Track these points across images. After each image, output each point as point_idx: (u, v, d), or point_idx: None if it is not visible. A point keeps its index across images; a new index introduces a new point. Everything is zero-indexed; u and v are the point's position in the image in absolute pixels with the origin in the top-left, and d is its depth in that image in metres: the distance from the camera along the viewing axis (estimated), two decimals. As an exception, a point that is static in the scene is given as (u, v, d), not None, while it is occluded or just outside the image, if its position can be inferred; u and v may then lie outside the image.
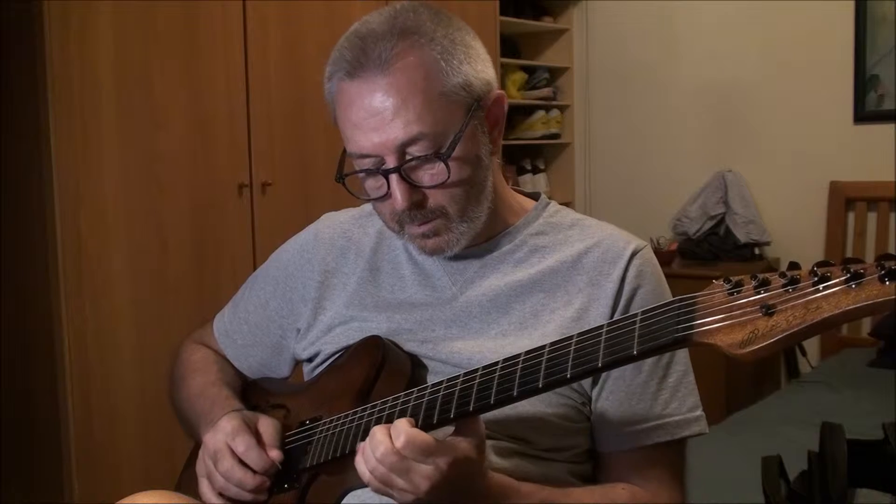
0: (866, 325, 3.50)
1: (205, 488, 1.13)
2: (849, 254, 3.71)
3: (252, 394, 1.33)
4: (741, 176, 3.84)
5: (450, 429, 0.98)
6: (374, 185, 1.12)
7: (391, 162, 1.08)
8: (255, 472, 1.10)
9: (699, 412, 1.15)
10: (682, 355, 1.16)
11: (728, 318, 0.77)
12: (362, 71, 1.07)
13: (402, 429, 0.94)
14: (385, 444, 0.94)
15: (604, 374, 1.13)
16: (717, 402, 3.25)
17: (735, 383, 3.42)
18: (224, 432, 1.11)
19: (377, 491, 0.98)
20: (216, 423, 1.14)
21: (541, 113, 4.20)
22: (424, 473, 0.93)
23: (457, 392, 0.96)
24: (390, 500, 1.03)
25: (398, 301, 1.21)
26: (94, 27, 2.41)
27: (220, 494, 1.12)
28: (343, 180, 1.15)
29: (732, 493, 2.01)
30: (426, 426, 0.96)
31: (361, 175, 1.13)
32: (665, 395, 1.14)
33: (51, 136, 2.33)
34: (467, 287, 1.18)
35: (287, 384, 1.33)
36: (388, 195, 1.10)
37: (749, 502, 1.90)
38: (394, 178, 1.09)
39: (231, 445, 1.10)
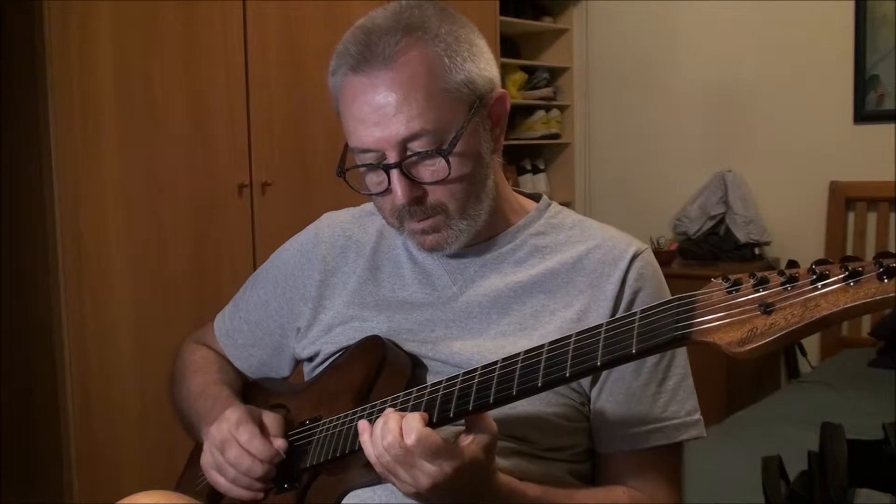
0: (866, 325, 3.50)
1: (217, 479, 1.12)
2: (849, 254, 3.71)
3: (252, 394, 1.33)
4: (741, 176, 3.84)
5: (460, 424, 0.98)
6: (374, 179, 1.13)
7: (392, 157, 1.08)
8: (261, 461, 1.10)
9: (697, 416, 1.15)
10: (682, 358, 1.16)
11: (727, 317, 0.78)
12: (366, 66, 1.07)
13: (414, 426, 0.93)
14: (394, 433, 0.93)
15: (603, 375, 1.13)
16: (717, 402, 3.25)
17: (735, 383, 3.42)
18: (229, 422, 1.11)
19: (383, 476, 0.98)
20: (221, 415, 1.14)
21: (541, 113, 4.20)
22: (427, 472, 0.93)
23: (456, 391, 0.96)
24: (392, 501, 1.03)
25: (399, 300, 1.21)
26: (94, 27, 2.41)
27: (234, 484, 1.12)
28: (344, 175, 1.15)
29: (732, 493, 2.01)
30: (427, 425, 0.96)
31: (362, 170, 1.13)
32: (664, 398, 1.14)
33: (51, 136, 2.33)
34: (468, 286, 1.18)
35: (287, 384, 1.33)
36: (388, 190, 1.11)
37: (749, 502, 1.90)
38: (394, 173, 1.09)
39: (235, 435, 1.10)
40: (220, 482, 1.12)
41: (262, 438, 1.10)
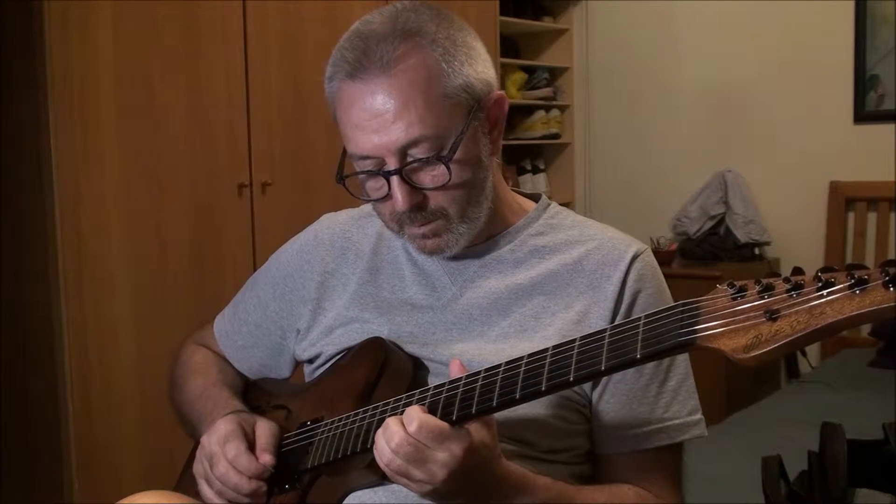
0: (866, 325, 3.51)
1: (205, 489, 1.13)
2: (849, 254, 3.71)
3: (253, 394, 1.33)
4: (741, 176, 3.84)
5: None
6: (374, 186, 1.12)
7: (392, 164, 1.08)
8: (248, 478, 1.10)
9: (699, 415, 1.16)
10: (683, 358, 1.16)
11: (731, 323, 0.77)
12: (364, 72, 1.07)
13: (415, 414, 0.94)
14: (399, 433, 0.93)
15: (605, 377, 1.12)
16: (717, 402, 3.25)
17: (735, 383, 3.42)
18: (217, 436, 1.11)
19: (396, 482, 0.97)
20: (213, 425, 1.14)
21: (541, 113, 4.19)
22: (440, 461, 0.93)
23: (459, 394, 0.96)
24: (392, 502, 1.03)
25: (399, 301, 1.21)
26: (94, 27, 2.40)
27: (220, 496, 1.12)
28: (343, 181, 1.15)
29: (732, 493, 2.01)
30: None
31: (362, 176, 1.13)
32: (665, 398, 1.14)
33: (51, 136, 2.33)
34: (467, 287, 1.18)
35: (288, 385, 1.33)
36: (388, 196, 1.10)
37: (749, 502, 1.90)
38: (395, 179, 1.08)
39: (223, 450, 1.10)
40: (206, 493, 1.12)
41: (248, 455, 1.10)
